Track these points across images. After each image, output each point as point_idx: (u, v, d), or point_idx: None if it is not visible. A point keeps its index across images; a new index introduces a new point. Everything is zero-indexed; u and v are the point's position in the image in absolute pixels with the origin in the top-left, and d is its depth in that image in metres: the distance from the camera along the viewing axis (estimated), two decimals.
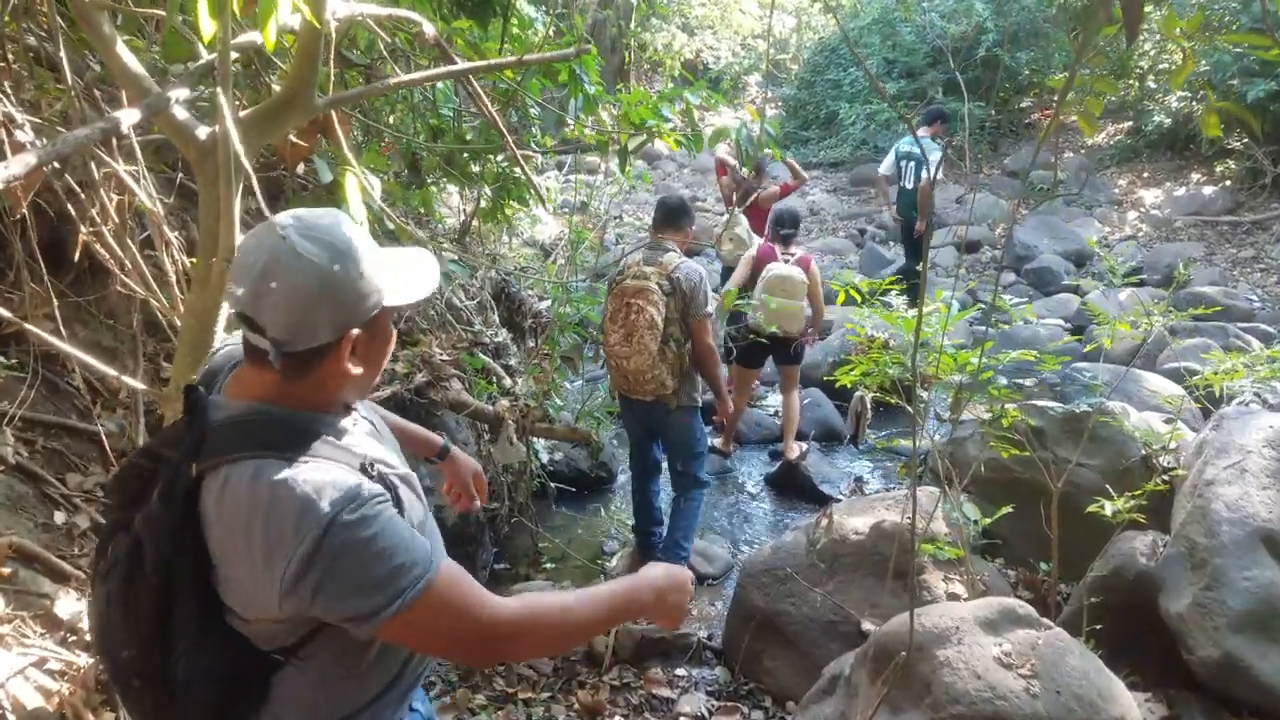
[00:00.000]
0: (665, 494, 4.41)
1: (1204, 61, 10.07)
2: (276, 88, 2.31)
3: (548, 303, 5.94)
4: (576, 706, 3.34)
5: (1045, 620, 2.59)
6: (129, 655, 1.26)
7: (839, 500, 4.83)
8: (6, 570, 2.13)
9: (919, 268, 8.79)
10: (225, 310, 1.78)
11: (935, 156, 7.62)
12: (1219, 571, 2.77)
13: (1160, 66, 12.16)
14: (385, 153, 3.57)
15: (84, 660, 2.02)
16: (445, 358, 4.12)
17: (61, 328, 2.45)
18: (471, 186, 4.70)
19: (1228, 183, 11.13)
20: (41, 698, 1.87)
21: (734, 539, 4.80)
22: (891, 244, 11.30)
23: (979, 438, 3.79)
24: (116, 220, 2.16)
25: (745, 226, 6.46)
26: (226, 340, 1.52)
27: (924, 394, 3.52)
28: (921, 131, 7.78)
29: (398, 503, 1.32)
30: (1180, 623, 2.79)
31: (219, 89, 1.55)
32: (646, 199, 13.75)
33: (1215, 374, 3.72)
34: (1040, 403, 4.01)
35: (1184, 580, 2.86)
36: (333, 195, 2.33)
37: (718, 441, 5.68)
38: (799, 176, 7.08)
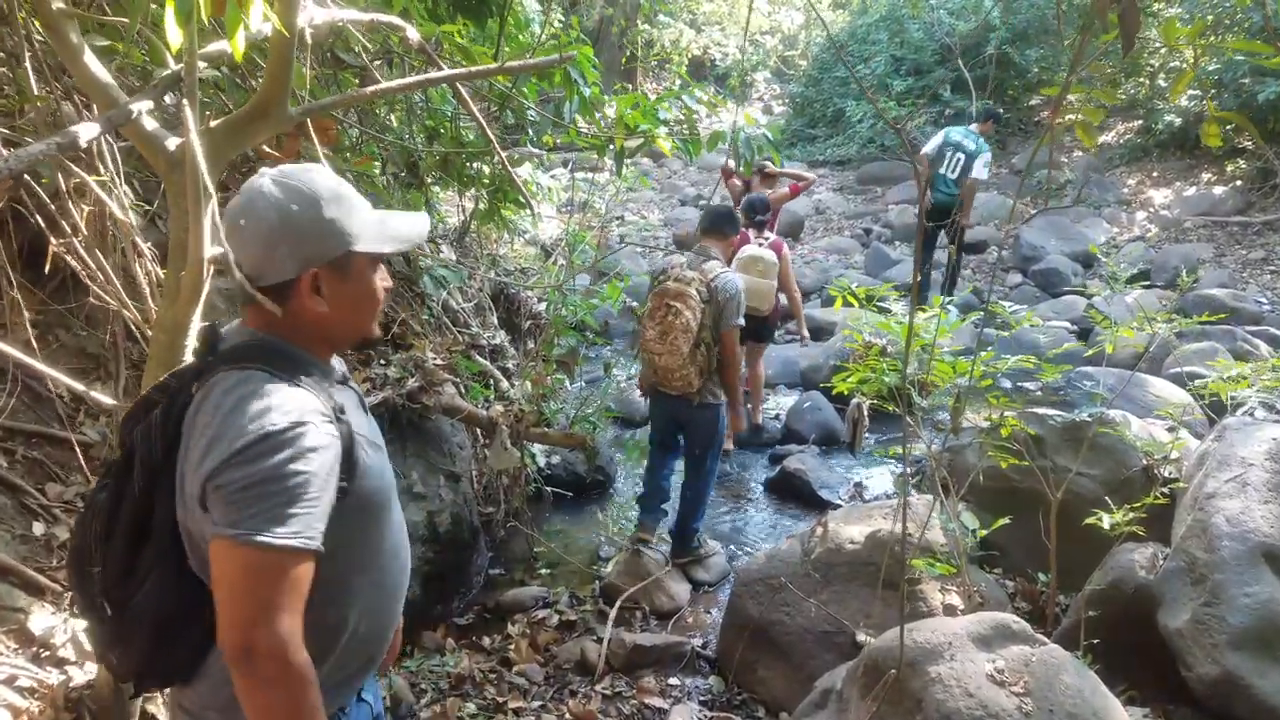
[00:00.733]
0: (676, 478, 4.56)
1: (1214, 61, 9.95)
2: None
3: (547, 303, 5.90)
4: (568, 716, 3.31)
5: (1040, 636, 2.55)
6: (98, 572, 1.38)
7: (838, 506, 4.79)
8: None
9: (930, 259, 8.79)
10: (196, 324, 1.75)
11: (987, 156, 7.86)
12: (1219, 587, 2.72)
13: (1172, 65, 12.03)
14: (360, 164, 3.54)
15: (55, 678, 1.99)
16: (439, 362, 4.08)
17: (42, 336, 2.43)
18: (467, 189, 4.67)
19: (1238, 183, 10.99)
20: (10, 716, 1.84)
21: (731, 545, 4.76)
22: (898, 244, 11.22)
23: (978, 446, 3.74)
24: (86, 232, 2.12)
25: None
26: None
27: (922, 401, 3.47)
28: (973, 127, 8.09)
29: (350, 458, 1.37)
30: (1179, 639, 2.74)
31: (185, 100, 1.51)
32: (650, 197, 13.72)
33: (1220, 382, 3.66)
34: (1040, 410, 3.96)
35: (1183, 596, 2.81)
36: None
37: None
38: (805, 177, 7.09)
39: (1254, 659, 2.61)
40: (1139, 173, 12.44)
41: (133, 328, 2.44)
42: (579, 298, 5.40)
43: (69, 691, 1.94)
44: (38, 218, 2.39)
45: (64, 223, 2.38)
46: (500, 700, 3.40)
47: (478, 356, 4.65)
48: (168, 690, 1.57)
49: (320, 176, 1.40)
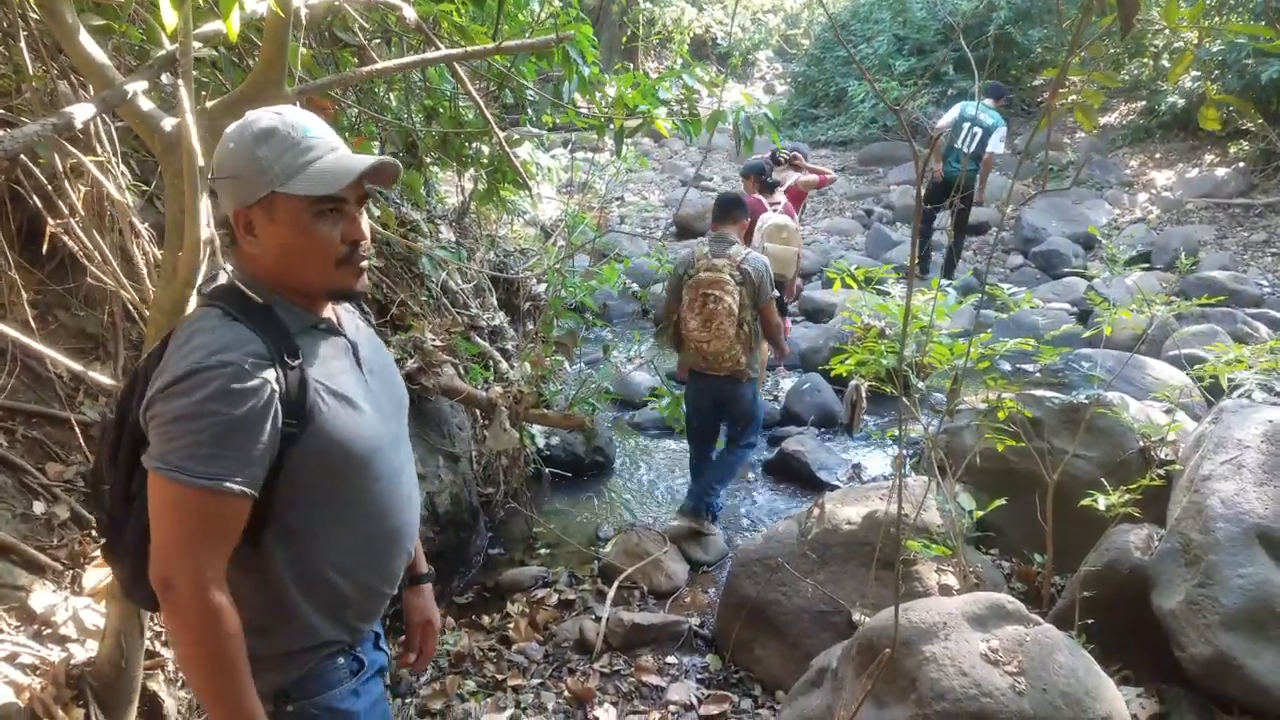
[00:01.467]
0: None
1: (1218, 42, 9.87)
2: None
3: (546, 285, 5.90)
4: (566, 694, 3.34)
5: (1034, 616, 2.56)
6: (106, 488, 1.44)
7: (836, 488, 4.81)
8: None
9: (929, 239, 8.81)
10: (193, 305, 1.75)
11: (1003, 130, 8.03)
12: (1213, 568, 2.73)
13: (1175, 46, 11.94)
14: (358, 143, 3.53)
15: (56, 655, 2.00)
16: (438, 343, 4.09)
17: (41, 316, 2.43)
18: (466, 169, 4.66)
19: (1241, 164, 10.94)
20: (12, 692, 1.86)
21: (730, 526, 4.78)
22: (899, 225, 11.17)
23: (975, 427, 3.75)
24: (83, 213, 2.12)
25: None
26: None
27: (920, 384, 3.47)
28: (988, 102, 8.35)
29: (301, 404, 1.35)
30: (1173, 620, 2.76)
31: (180, 81, 1.51)
32: (651, 178, 13.65)
33: (1218, 365, 3.66)
34: (1038, 392, 3.96)
35: (1178, 577, 2.82)
36: None
37: None
38: (828, 176, 7.15)
39: (1247, 639, 2.62)
40: (1141, 154, 12.39)
41: (131, 308, 2.44)
42: (578, 279, 5.39)
43: (70, 669, 1.96)
44: (35, 198, 2.40)
45: (61, 203, 2.38)
46: (499, 678, 3.43)
47: (477, 338, 4.65)
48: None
49: (267, 116, 1.38)
